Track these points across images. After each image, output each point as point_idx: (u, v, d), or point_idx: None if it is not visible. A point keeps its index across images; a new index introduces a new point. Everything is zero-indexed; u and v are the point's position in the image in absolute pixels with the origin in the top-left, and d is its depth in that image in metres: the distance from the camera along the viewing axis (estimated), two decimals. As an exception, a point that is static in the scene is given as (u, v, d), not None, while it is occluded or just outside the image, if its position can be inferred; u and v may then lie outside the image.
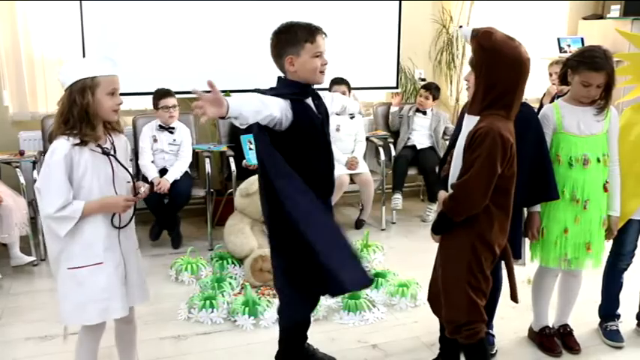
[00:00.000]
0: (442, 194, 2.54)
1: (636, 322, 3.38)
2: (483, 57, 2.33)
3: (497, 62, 2.29)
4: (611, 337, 3.24)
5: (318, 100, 2.56)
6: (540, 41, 6.00)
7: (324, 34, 2.46)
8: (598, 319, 3.36)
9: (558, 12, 6.32)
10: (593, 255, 2.92)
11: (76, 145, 2.25)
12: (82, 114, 2.25)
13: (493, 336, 3.10)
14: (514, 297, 2.59)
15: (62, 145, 2.25)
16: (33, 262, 4.14)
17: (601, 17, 6.10)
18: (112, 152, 2.37)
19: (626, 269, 3.21)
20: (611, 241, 3.11)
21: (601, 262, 3.00)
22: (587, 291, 3.26)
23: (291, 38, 2.41)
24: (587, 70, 2.75)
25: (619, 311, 3.30)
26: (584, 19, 6.27)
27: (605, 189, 2.88)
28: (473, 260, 2.41)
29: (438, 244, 2.60)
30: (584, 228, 2.86)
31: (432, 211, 5.14)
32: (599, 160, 2.84)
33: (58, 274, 2.36)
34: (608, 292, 3.28)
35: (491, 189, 2.30)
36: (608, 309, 3.31)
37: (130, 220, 2.45)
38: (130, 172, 2.43)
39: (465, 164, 2.34)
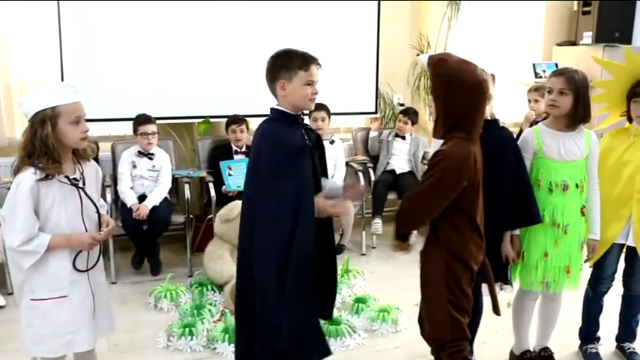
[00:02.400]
0: None
1: (615, 344, 3.40)
2: (439, 83, 2.40)
3: (452, 88, 2.35)
4: (591, 359, 3.26)
5: (308, 129, 2.60)
6: (516, 67, 6.10)
7: (319, 64, 2.52)
8: (578, 342, 3.38)
9: (533, 38, 6.44)
10: (572, 278, 2.95)
11: (41, 180, 2.19)
12: (42, 147, 2.18)
13: (473, 360, 3.11)
14: (496, 311, 2.63)
15: (28, 177, 2.19)
16: (8, 292, 4.06)
17: (574, 43, 6.22)
18: (82, 183, 2.31)
19: (606, 292, 3.23)
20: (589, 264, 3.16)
21: (579, 285, 3.02)
22: (568, 314, 3.29)
23: (286, 64, 2.46)
24: (551, 77, 2.90)
25: (599, 334, 3.33)
26: (558, 45, 6.39)
27: (583, 213, 2.92)
28: (450, 279, 2.44)
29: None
30: (563, 252, 2.89)
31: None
32: (577, 186, 2.87)
33: (22, 304, 2.32)
34: (588, 315, 3.31)
35: (436, 210, 2.39)
36: (589, 332, 3.34)
37: (97, 261, 2.41)
38: (96, 206, 2.37)
39: (420, 183, 2.46)
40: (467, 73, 2.35)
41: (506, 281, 2.94)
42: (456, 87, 2.34)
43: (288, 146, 2.45)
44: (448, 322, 2.46)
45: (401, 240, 2.54)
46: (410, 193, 2.47)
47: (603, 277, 3.17)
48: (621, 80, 3.07)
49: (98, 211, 2.39)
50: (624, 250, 3.14)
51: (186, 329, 3.44)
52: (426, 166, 2.69)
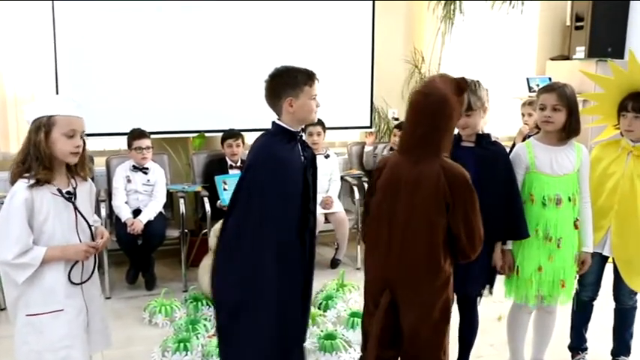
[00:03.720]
0: None
1: (611, 358, 3.40)
2: None
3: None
4: None
5: (305, 145, 2.64)
6: (510, 81, 6.14)
7: (318, 79, 2.59)
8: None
9: (527, 53, 6.49)
10: (567, 291, 2.96)
11: (32, 186, 2.19)
12: (35, 152, 2.19)
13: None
14: None
15: (21, 189, 2.18)
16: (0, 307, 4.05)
17: (567, 58, 6.26)
18: (74, 197, 2.30)
19: (589, 301, 3.25)
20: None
21: (571, 297, 3.04)
22: (563, 327, 3.29)
23: (291, 81, 2.52)
24: (542, 93, 2.92)
25: (589, 344, 3.36)
26: (552, 59, 6.44)
27: (576, 226, 2.93)
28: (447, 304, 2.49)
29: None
30: (558, 266, 2.89)
31: None
32: (570, 199, 2.89)
33: (17, 321, 2.29)
34: (572, 323, 3.35)
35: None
36: (575, 342, 3.37)
37: (92, 274, 2.40)
38: (87, 222, 2.35)
39: None
40: (420, 97, 2.42)
41: (491, 286, 2.95)
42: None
43: (279, 163, 2.50)
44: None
45: None
46: None
47: (583, 284, 3.19)
48: (612, 93, 3.10)
49: (90, 227, 2.37)
50: (611, 263, 3.16)
51: (181, 344, 3.41)
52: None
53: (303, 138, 2.69)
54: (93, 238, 2.38)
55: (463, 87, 2.42)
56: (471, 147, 2.79)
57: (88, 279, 2.37)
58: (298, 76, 2.53)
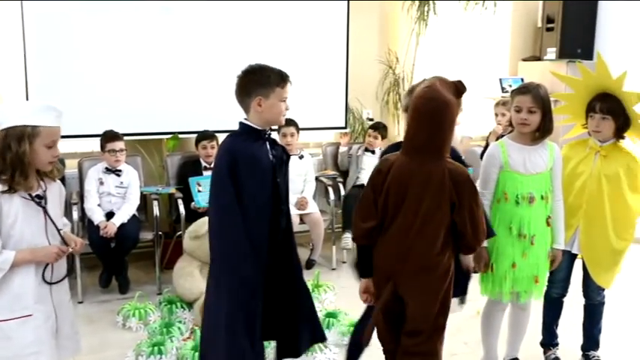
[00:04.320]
0: None
1: (581, 353, 3.46)
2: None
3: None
4: None
5: (274, 145, 2.63)
6: (483, 82, 6.20)
7: (291, 82, 2.58)
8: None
9: (499, 54, 6.56)
10: (540, 287, 3.02)
11: (4, 192, 2.16)
12: (15, 161, 2.16)
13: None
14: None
15: None
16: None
17: (539, 59, 6.34)
18: (44, 201, 2.27)
19: (558, 298, 3.31)
20: None
21: (542, 293, 3.10)
22: (535, 324, 3.33)
23: (263, 80, 2.51)
24: (517, 95, 2.94)
25: (560, 340, 3.42)
26: (524, 60, 6.52)
27: (548, 223, 2.97)
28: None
29: None
30: (531, 262, 2.94)
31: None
32: (542, 198, 2.93)
33: None
34: (543, 320, 3.40)
35: (370, 210, 2.48)
36: (546, 338, 3.43)
37: (63, 278, 2.37)
38: (56, 226, 2.32)
39: None
40: (415, 95, 2.45)
41: (465, 294, 2.94)
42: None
43: (246, 162, 2.49)
44: None
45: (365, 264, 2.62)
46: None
47: (553, 281, 3.24)
48: (581, 94, 3.16)
49: (59, 231, 2.34)
50: (579, 261, 3.22)
51: (155, 348, 3.39)
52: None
53: (273, 136, 2.67)
54: (63, 242, 2.35)
55: (461, 90, 2.47)
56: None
57: (61, 280, 2.35)
58: (271, 76, 2.51)
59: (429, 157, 2.42)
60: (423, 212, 2.40)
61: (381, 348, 2.64)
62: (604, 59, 3.01)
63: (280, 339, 2.80)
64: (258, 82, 2.51)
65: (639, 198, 3.09)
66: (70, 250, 2.34)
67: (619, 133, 3.07)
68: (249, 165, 2.50)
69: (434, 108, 2.38)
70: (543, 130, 2.92)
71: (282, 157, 2.66)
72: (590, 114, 3.08)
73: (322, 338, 2.96)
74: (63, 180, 4.46)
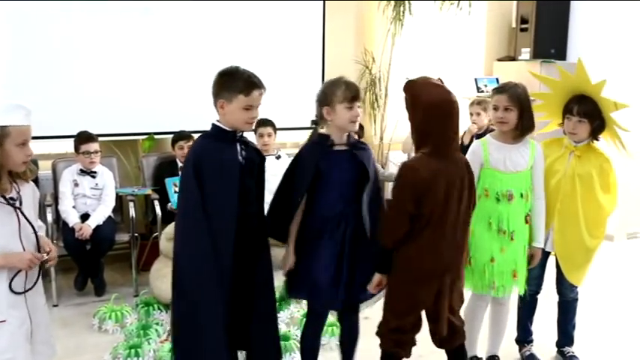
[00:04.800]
0: None
1: (556, 349, 3.51)
2: (406, 104, 2.56)
3: (415, 107, 2.52)
4: None
5: (246, 146, 2.62)
6: (459, 81, 6.24)
7: (264, 88, 2.55)
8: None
9: (475, 53, 6.62)
10: (519, 282, 3.05)
11: None
12: None
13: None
14: None
15: None
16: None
17: (513, 59, 6.42)
18: (18, 203, 2.24)
19: (533, 295, 3.34)
20: None
21: (524, 288, 3.12)
22: (510, 322, 3.37)
23: (229, 85, 2.50)
24: (495, 94, 3.04)
25: (535, 337, 3.47)
26: (499, 60, 6.59)
27: (527, 221, 3.02)
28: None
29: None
30: (509, 257, 2.99)
31: None
32: (521, 196, 2.99)
33: None
34: (518, 317, 3.45)
35: (404, 219, 2.49)
36: (521, 335, 3.47)
37: (36, 282, 2.32)
38: (33, 227, 2.29)
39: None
40: (428, 95, 2.48)
41: None
42: (417, 106, 2.51)
43: (211, 165, 2.49)
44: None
45: (388, 264, 2.61)
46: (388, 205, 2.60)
47: (528, 277, 3.25)
48: (558, 94, 3.20)
49: (36, 232, 2.31)
50: (553, 258, 3.26)
51: (132, 350, 3.36)
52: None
53: (251, 140, 2.69)
54: (38, 244, 2.31)
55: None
56: (346, 150, 2.74)
57: (32, 287, 2.30)
58: (237, 82, 2.50)
59: (451, 153, 2.53)
60: (464, 204, 2.54)
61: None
62: (584, 64, 3.05)
63: (248, 348, 2.79)
64: (224, 85, 2.52)
65: (611, 198, 3.15)
66: (45, 257, 2.30)
67: (594, 135, 3.12)
68: (215, 167, 2.49)
69: (446, 108, 2.48)
70: (523, 128, 2.98)
71: (254, 159, 2.65)
72: (567, 115, 3.13)
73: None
74: (36, 181, 4.42)
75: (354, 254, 2.70)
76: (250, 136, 3.03)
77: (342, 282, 2.68)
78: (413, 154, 4.89)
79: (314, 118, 2.82)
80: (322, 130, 2.77)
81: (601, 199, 3.12)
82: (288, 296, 2.96)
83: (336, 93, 2.65)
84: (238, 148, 2.58)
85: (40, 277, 2.36)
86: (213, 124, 2.59)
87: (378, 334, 2.67)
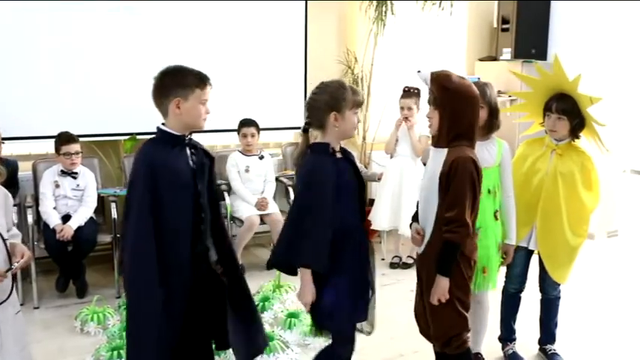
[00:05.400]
0: (414, 226, 2.68)
1: (538, 347, 3.54)
2: (447, 97, 2.53)
3: (459, 101, 2.52)
4: (511, 359, 3.41)
5: (195, 150, 2.53)
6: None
7: (211, 85, 2.49)
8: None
9: (456, 53, 6.65)
10: (488, 278, 3.07)
11: None
12: None
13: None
14: None
15: None
16: None
17: (495, 59, 6.46)
18: None
19: (515, 293, 3.38)
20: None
21: (496, 284, 3.16)
22: (496, 320, 3.41)
23: (182, 81, 2.41)
24: None
25: (517, 335, 3.49)
26: (480, 60, 6.63)
27: (496, 217, 3.06)
28: (458, 276, 2.53)
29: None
30: (480, 254, 2.97)
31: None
32: (489, 192, 3.01)
33: None
34: (501, 315, 3.47)
35: (471, 209, 2.49)
36: (504, 333, 3.49)
37: (9, 295, 2.21)
38: (2, 236, 2.19)
39: (450, 193, 2.48)
40: (468, 87, 2.54)
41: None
42: (462, 100, 2.52)
43: (165, 172, 2.38)
44: (456, 317, 2.57)
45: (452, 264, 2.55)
46: (456, 209, 2.45)
47: (509, 276, 3.34)
48: (538, 93, 3.23)
49: (4, 241, 2.19)
50: (536, 255, 3.29)
51: (115, 352, 3.34)
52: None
53: (193, 141, 2.55)
54: (8, 254, 2.20)
55: None
56: (343, 157, 2.61)
57: (4, 301, 2.19)
58: (190, 77, 2.41)
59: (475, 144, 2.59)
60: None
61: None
62: (560, 61, 3.09)
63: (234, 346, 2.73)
64: (177, 83, 2.40)
65: (593, 195, 3.18)
66: (14, 268, 2.19)
67: (574, 133, 3.15)
68: (169, 177, 2.38)
69: (473, 101, 2.54)
70: (489, 126, 3.03)
71: (205, 162, 2.54)
72: (547, 113, 3.16)
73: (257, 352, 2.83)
74: (17, 183, 4.40)
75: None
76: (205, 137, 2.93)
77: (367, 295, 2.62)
78: (396, 155, 4.91)
79: (305, 123, 2.57)
80: (319, 139, 2.57)
81: (583, 197, 3.15)
82: (320, 329, 2.68)
83: (347, 98, 2.48)
84: (188, 152, 2.48)
85: (14, 288, 2.25)
86: (161, 130, 2.45)
87: (452, 342, 2.61)
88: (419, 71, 2.61)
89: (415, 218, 2.72)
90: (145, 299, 2.39)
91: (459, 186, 2.47)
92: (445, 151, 2.53)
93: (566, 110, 3.08)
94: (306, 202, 2.45)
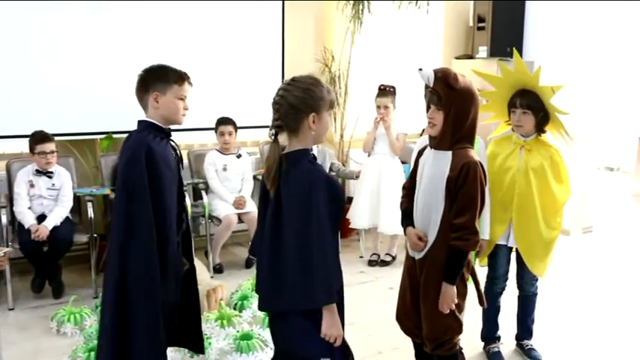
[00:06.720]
0: (413, 231, 2.62)
1: (515, 342, 3.58)
2: (453, 97, 2.45)
3: (465, 101, 2.46)
4: (494, 358, 3.43)
5: (174, 143, 2.67)
6: (418, 79, 6.28)
7: (191, 83, 2.62)
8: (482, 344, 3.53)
9: (433, 52, 6.69)
10: None
11: None
12: None
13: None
14: (482, 302, 2.75)
15: None
16: None
17: (471, 57, 6.51)
18: None
19: (501, 293, 3.42)
20: (486, 267, 3.37)
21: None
22: (477, 317, 3.43)
23: (162, 76, 2.56)
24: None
25: (499, 333, 3.51)
26: (457, 58, 6.68)
27: None
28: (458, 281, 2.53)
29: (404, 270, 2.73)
30: None
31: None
32: None
33: None
34: (486, 315, 3.47)
35: (479, 212, 2.49)
36: (488, 332, 3.51)
37: None
38: None
39: (460, 198, 2.44)
40: (471, 86, 2.48)
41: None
42: (468, 100, 2.46)
43: (156, 158, 2.48)
44: (453, 323, 2.56)
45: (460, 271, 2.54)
46: (467, 215, 2.42)
47: (496, 276, 3.36)
48: (502, 91, 3.26)
49: None
50: (514, 252, 3.33)
51: (92, 353, 3.30)
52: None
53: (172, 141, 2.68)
54: None
55: None
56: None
57: None
58: (170, 74, 2.56)
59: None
60: None
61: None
62: (520, 57, 3.14)
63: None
64: (156, 77, 2.55)
65: (564, 188, 3.22)
66: None
67: (540, 128, 3.19)
68: (163, 162, 2.51)
69: (472, 100, 2.52)
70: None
71: (177, 156, 2.68)
72: (512, 109, 3.20)
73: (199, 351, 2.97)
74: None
75: None
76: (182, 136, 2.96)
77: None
78: (374, 153, 4.87)
79: (275, 127, 2.24)
80: (290, 146, 2.22)
81: (555, 190, 3.19)
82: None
83: (324, 97, 2.16)
84: (171, 144, 2.64)
85: None
86: (146, 122, 2.57)
87: (444, 345, 2.60)
88: (420, 69, 2.50)
89: (407, 222, 2.67)
90: (147, 299, 2.49)
91: (469, 192, 2.42)
92: (449, 154, 2.47)
93: (530, 105, 3.12)
94: (314, 227, 2.05)
